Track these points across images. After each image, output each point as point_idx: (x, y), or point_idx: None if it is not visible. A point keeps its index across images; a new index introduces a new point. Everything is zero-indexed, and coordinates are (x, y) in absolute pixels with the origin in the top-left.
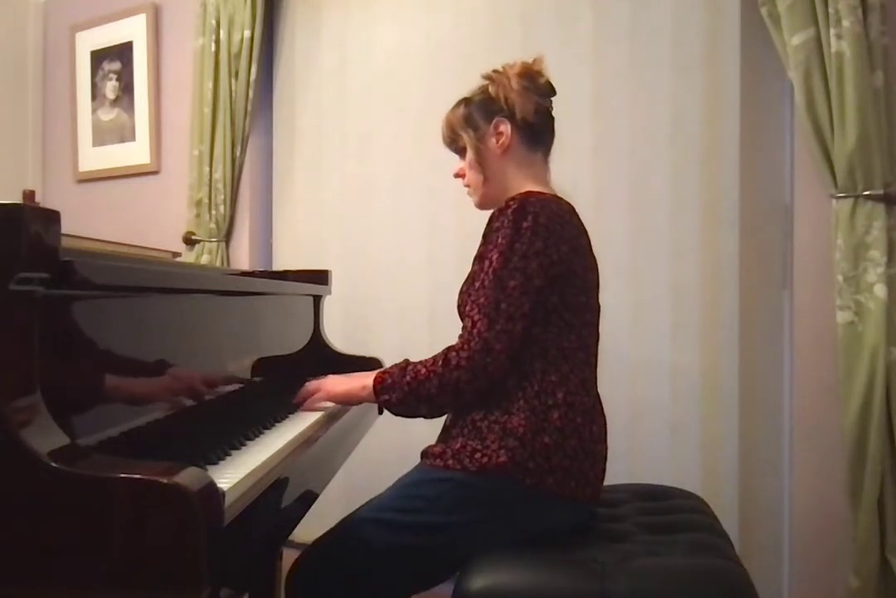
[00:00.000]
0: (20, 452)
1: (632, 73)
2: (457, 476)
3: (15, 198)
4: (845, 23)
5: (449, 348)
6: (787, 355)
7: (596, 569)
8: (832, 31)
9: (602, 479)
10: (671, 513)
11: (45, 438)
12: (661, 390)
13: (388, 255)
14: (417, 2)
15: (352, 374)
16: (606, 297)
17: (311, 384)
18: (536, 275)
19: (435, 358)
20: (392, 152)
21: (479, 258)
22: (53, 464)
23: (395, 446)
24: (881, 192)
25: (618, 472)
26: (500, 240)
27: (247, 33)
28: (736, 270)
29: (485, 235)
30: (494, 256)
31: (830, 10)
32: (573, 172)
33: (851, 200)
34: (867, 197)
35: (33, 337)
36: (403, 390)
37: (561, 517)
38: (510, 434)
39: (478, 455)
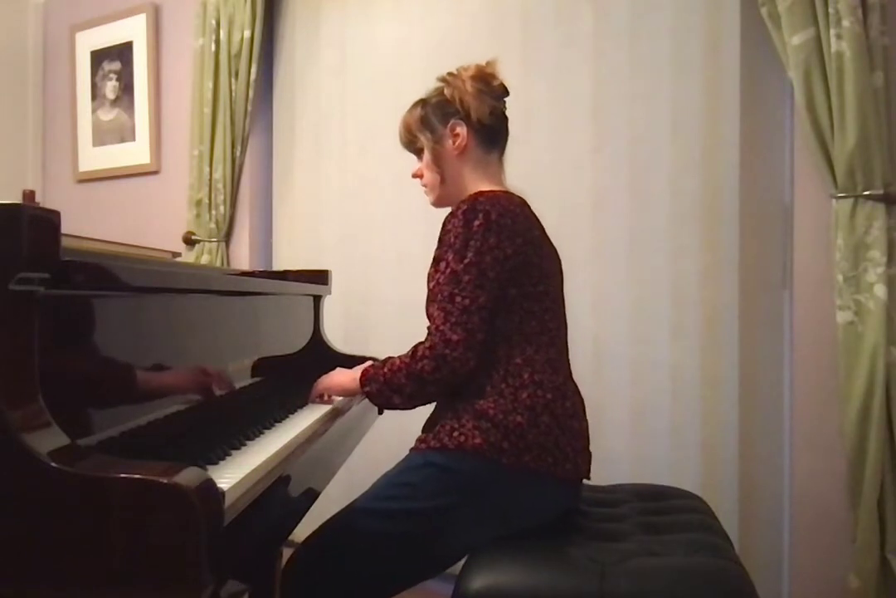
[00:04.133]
0: (20, 452)
1: (632, 73)
2: (438, 460)
3: (15, 198)
4: (845, 23)
5: (418, 343)
6: (787, 355)
7: (596, 569)
8: (832, 31)
9: (587, 459)
10: (671, 513)
11: (45, 438)
12: (662, 390)
13: (388, 254)
14: (417, 1)
15: (356, 367)
16: (606, 297)
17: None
18: (491, 268)
19: (408, 352)
20: (392, 152)
21: (436, 261)
22: (53, 464)
23: (396, 445)
24: (881, 192)
25: (618, 472)
26: (453, 240)
27: (247, 33)
28: (736, 270)
29: (440, 239)
30: (450, 256)
31: (830, 10)
32: (573, 172)
33: (851, 200)
34: (867, 197)
35: (33, 337)
36: (380, 381)
37: (542, 497)
38: (482, 416)
39: (455, 434)
